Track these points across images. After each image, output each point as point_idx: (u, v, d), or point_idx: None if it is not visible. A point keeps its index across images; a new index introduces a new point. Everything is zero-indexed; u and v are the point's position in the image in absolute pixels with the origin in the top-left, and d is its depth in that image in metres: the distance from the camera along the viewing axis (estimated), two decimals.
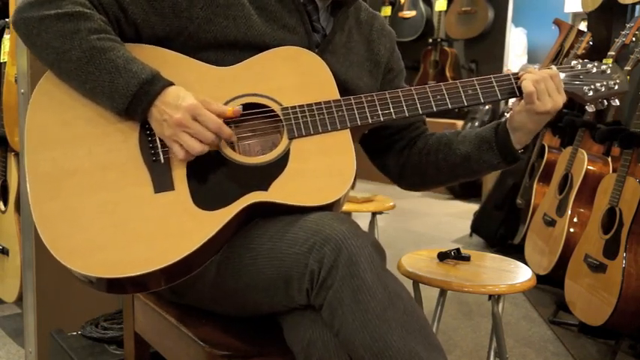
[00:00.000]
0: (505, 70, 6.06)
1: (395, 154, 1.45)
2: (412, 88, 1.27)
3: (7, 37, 2.37)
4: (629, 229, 2.30)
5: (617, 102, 1.34)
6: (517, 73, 1.30)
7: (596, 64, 1.33)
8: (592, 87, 1.31)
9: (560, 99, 1.26)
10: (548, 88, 1.24)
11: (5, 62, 2.37)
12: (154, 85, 1.12)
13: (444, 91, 1.26)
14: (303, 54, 1.25)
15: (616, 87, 1.31)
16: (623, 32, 2.80)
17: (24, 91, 1.90)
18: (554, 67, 1.29)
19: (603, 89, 1.31)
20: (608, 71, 1.32)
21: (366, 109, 1.23)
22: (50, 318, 1.98)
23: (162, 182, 1.14)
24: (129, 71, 1.12)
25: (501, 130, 1.32)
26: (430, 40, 6.31)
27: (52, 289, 1.99)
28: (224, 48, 1.22)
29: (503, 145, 1.31)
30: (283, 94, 1.21)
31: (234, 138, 1.17)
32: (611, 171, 2.74)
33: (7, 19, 2.34)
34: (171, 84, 1.15)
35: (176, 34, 1.21)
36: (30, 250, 1.95)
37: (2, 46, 2.41)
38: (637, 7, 3.47)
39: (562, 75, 1.30)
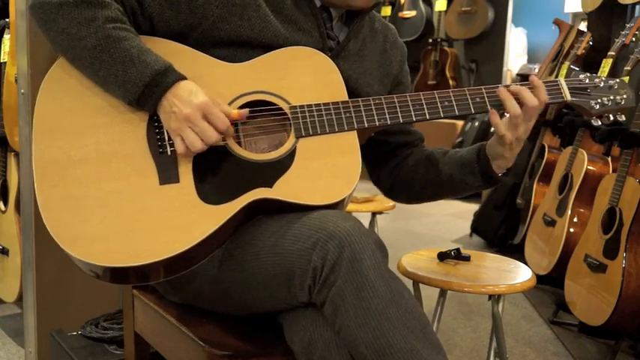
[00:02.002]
0: (505, 70, 6.06)
1: (389, 169, 1.48)
2: (420, 93, 1.28)
3: (7, 37, 2.38)
4: (629, 229, 2.30)
5: (622, 117, 1.35)
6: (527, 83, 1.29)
7: (603, 78, 1.34)
8: (598, 101, 1.32)
9: (531, 125, 1.26)
10: (519, 124, 1.25)
11: (5, 62, 2.37)
12: (167, 77, 1.13)
13: (452, 99, 1.27)
14: (314, 54, 1.26)
15: (622, 102, 1.32)
16: (623, 32, 2.81)
17: (24, 91, 1.89)
18: (562, 81, 1.30)
19: (610, 104, 1.32)
20: (616, 86, 1.33)
21: (374, 112, 1.24)
22: (50, 318, 1.98)
23: (167, 174, 1.14)
24: (142, 62, 1.13)
25: (483, 155, 1.34)
26: (430, 40, 6.31)
27: (52, 289, 1.99)
28: (236, 46, 1.23)
29: (484, 170, 1.34)
30: (292, 92, 1.22)
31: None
32: (611, 171, 2.74)
33: (7, 19, 2.34)
34: (184, 77, 1.15)
35: (190, 29, 1.22)
36: (30, 250, 1.95)
37: (2, 46, 2.41)
38: (637, 7, 3.47)
39: (568, 87, 1.31)
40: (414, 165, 1.44)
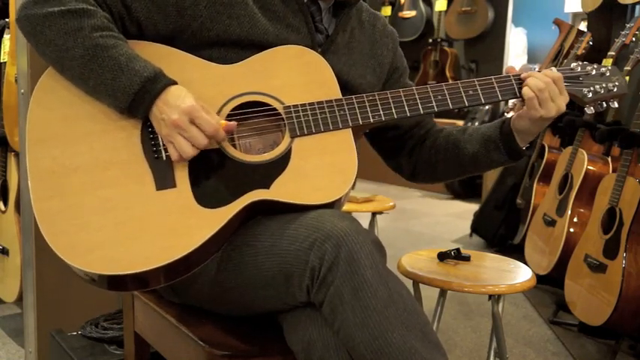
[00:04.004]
0: (505, 70, 6.06)
1: (407, 153, 1.47)
2: (414, 87, 1.28)
3: (7, 37, 2.38)
4: (629, 229, 2.30)
5: (615, 104, 1.35)
6: (519, 75, 1.31)
7: (595, 66, 1.34)
8: (591, 89, 1.32)
9: (563, 101, 1.28)
10: (551, 95, 1.26)
11: (5, 62, 2.37)
12: (157, 83, 1.13)
13: (445, 91, 1.27)
14: (306, 53, 1.25)
15: (615, 89, 1.33)
16: (623, 32, 2.81)
17: (24, 91, 1.90)
18: (554, 69, 1.30)
19: (602, 91, 1.32)
20: (608, 73, 1.33)
21: (368, 109, 1.24)
22: (50, 318, 1.98)
23: (163, 179, 1.14)
24: (131, 69, 1.12)
25: (506, 129, 1.34)
26: (430, 40, 6.31)
27: (52, 289, 1.99)
28: (227, 46, 1.22)
29: (509, 144, 1.33)
30: (285, 92, 1.22)
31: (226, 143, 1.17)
32: (611, 171, 2.74)
33: (7, 19, 2.34)
34: (174, 82, 1.15)
35: (179, 31, 1.22)
36: (30, 250, 1.95)
37: (2, 46, 2.41)
38: (637, 7, 3.47)
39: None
40: (434, 146, 1.43)
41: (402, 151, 1.48)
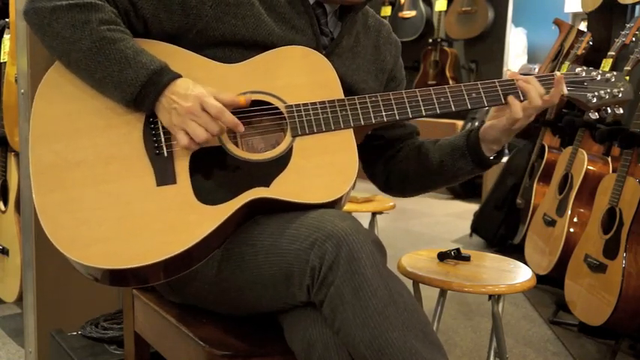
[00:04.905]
0: (505, 70, 6.06)
1: (382, 163, 1.48)
2: (416, 90, 1.28)
3: (7, 37, 2.38)
4: (629, 229, 2.30)
5: (620, 110, 1.35)
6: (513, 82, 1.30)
7: (600, 71, 1.34)
8: (596, 94, 1.33)
9: (556, 97, 1.29)
10: (532, 114, 1.28)
11: (5, 62, 2.37)
12: (163, 76, 1.14)
13: (448, 94, 1.27)
14: (309, 53, 1.26)
15: (620, 95, 1.33)
16: (623, 32, 2.80)
17: (24, 91, 1.89)
18: (558, 74, 1.30)
19: (607, 97, 1.33)
20: (613, 79, 1.34)
21: (370, 110, 1.24)
22: (50, 318, 1.98)
23: (164, 175, 1.14)
24: (138, 62, 1.13)
25: (473, 137, 1.35)
26: (430, 40, 6.31)
27: (52, 289, 1.99)
28: (231, 46, 1.23)
29: (475, 152, 1.34)
30: (288, 92, 1.22)
31: (240, 127, 1.16)
32: (611, 171, 2.74)
33: (7, 19, 2.34)
34: (180, 76, 1.16)
35: (185, 30, 1.22)
36: (30, 250, 1.95)
37: (2, 46, 2.41)
38: (637, 7, 3.47)
39: (565, 81, 1.31)
40: (406, 156, 1.45)
41: (378, 161, 1.49)
